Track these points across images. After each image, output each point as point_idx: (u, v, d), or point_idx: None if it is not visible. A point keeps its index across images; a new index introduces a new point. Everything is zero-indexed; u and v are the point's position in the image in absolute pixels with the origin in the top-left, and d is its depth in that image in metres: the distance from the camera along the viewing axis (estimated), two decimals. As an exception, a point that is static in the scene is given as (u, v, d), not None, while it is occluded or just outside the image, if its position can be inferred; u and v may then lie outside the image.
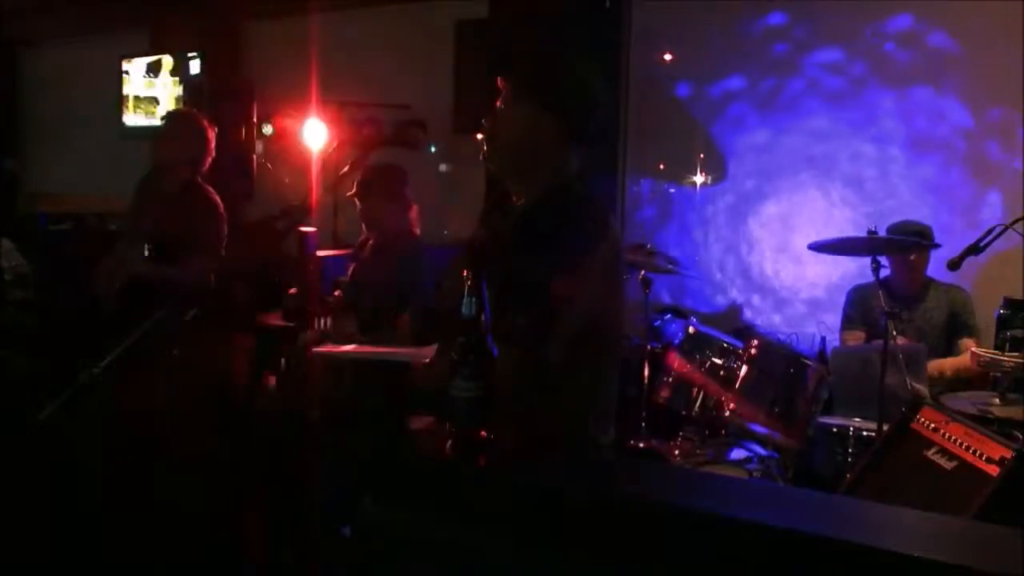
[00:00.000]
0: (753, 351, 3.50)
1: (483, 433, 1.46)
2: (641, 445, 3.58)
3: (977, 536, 1.30)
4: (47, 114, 7.99)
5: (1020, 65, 4.03)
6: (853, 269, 4.32)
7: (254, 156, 5.81)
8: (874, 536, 1.16)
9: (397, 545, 1.45)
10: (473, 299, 1.47)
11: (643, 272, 3.84)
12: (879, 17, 4.49)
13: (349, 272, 3.84)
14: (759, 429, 3.50)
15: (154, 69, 7.07)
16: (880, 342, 3.12)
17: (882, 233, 3.58)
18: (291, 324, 3.18)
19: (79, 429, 2.50)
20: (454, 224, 5.11)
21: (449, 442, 1.46)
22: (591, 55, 4.60)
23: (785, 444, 3.49)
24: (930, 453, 2.34)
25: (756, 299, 4.91)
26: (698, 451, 3.53)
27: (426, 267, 3.61)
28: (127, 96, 7.17)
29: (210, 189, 3.94)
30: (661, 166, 5.16)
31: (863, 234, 3.25)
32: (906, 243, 3.69)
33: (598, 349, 2.01)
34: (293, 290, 3.27)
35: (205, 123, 3.99)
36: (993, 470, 2.17)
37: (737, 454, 3.51)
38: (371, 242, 3.81)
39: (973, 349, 3.35)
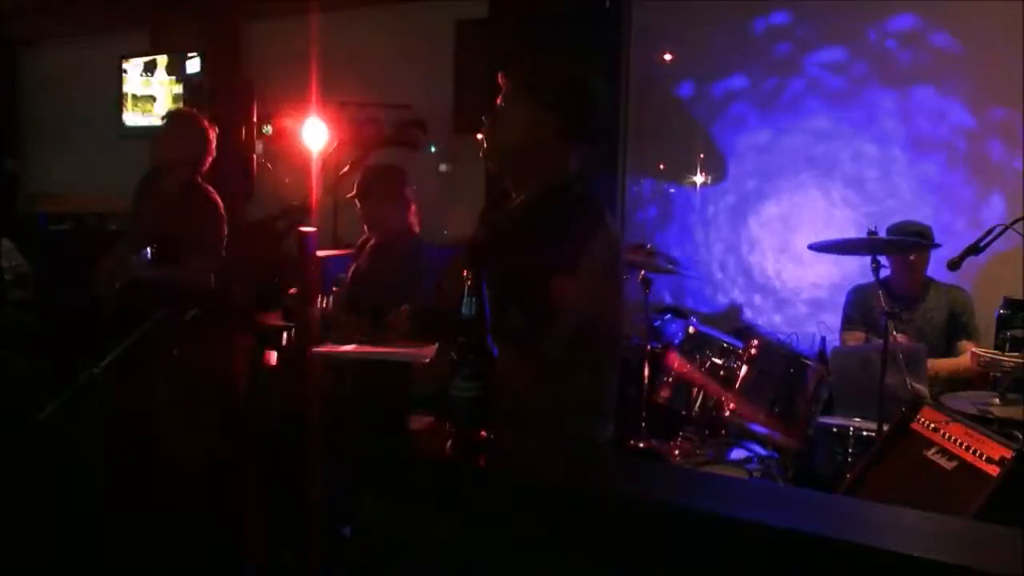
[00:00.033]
0: (753, 351, 3.50)
1: (483, 433, 1.46)
2: (641, 445, 3.58)
3: (977, 536, 1.30)
4: (47, 114, 7.99)
5: (1021, 65, 4.03)
6: (854, 269, 4.31)
7: (254, 156, 5.81)
8: (874, 536, 1.16)
9: (397, 545, 1.45)
10: (473, 299, 1.47)
11: (643, 272, 3.84)
12: (880, 17, 4.49)
13: (349, 272, 3.84)
14: (759, 429, 3.50)
15: (150, 68, 7.09)
16: (880, 342, 3.12)
17: (882, 233, 3.58)
18: (291, 324, 3.18)
19: (79, 429, 2.50)
20: (454, 224, 5.11)
21: (449, 442, 1.46)
22: (591, 55, 4.61)
23: (785, 444, 3.49)
24: (930, 453, 2.34)
25: (757, 299, 4.90)
26: (698, 451, 3.53)
27: (426, 267, 3.61)
28: (126, 94, 7.19)
29: (210, 189, 3.94)
30: (661, 166, 5.16)
31: (864, 234, 3.25)
32: (906, 243, 3.69)
33: (598, 349, 2.01)
34: (293, 290, 3.27)
35: (205, 123, 3.99)
36: (993, 470, 2.17)
37: (737, 454, 3.51)
38: (371, 242, 3.81)
39: (973, 349, 3.35)
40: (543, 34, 4.63)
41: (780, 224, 4.82)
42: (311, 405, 2.70)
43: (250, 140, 5.77)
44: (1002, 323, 3.42)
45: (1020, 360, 3.00)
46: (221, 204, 3.91)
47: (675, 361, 3.60)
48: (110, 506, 2.82)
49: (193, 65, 6.79)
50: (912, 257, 3.84)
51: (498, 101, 2.11)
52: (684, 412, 3.58)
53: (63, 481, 2.86)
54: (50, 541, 2.72)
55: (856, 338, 3.89)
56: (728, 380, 3.48)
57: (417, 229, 3.83)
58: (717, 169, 4.99)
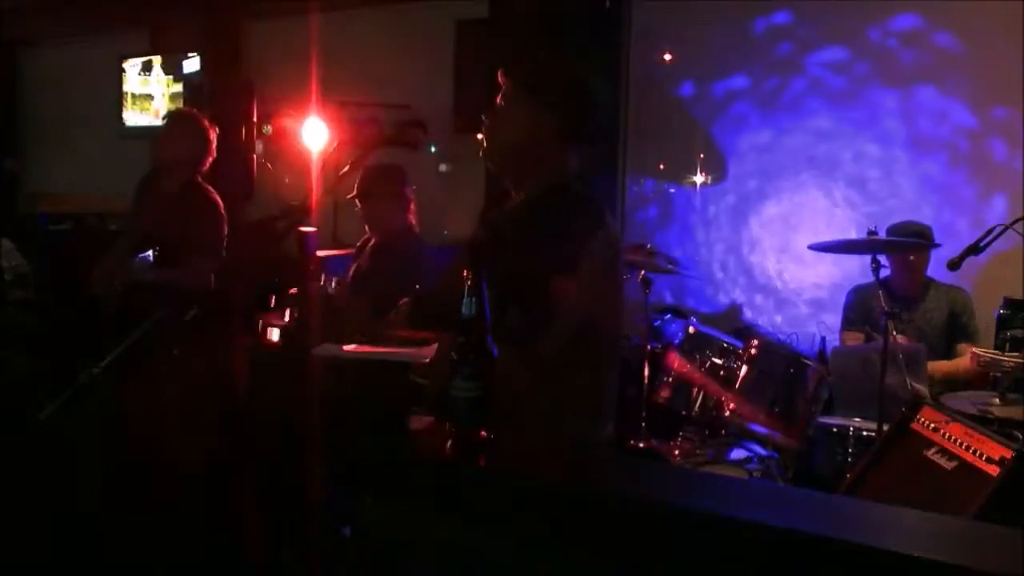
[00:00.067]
0: (753, 351, 3.50)
1: (483, 433, 1.46)
2: (641, 445, 3.57)
3: (977, 536, 1.30)
4: (47, 114, 7.99)
5: (1022, 64, 4.03)
6: (855, 269, 4.32)
7: (254, 156, 5.81)
8: (874, 536, 1.16)
9: (397, 545, 1.45)
10: (473, 299, 1.47)
11: (643, 272, 3.84)
12: (881, 17, 4.49)
13: (350, 272, 3.84)
14: (759, 429, 3.50)
15: (147, 66, 7.12)
16: (880, 342, 3.12)
17: (882, 233, 3.58)
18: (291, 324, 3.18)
19: (79, 429, 2.49)
20: (454, 224, 5.11)
21: (449, 442, 1.46)
22: (591, 55, 4.61)
23: (785, 444, 3.48)
24: (930, 453, 2.34)
25: (758, 299, 4.91)
26: (698, 451, 3.53)
27: (427, 267, 3.61)
28: (125, 93, 7.21)
29: (210, 189, 3.94)
30: (661, 166, 5.16)
31: (864, 234, 3.25)
32: (906, 243, 3.69)
33: (598, 349, 2.01)
34: (293, 290, 3.27)
35: (206, 123, 3.99)
36: (993, 470, 2.17)
37: (737, 454, 3.50)
38: (372, 242, 3.81)
39: (974, 349, 3.35)
40: (543, 34, 4.63)
41: (781, 224, 4.82)
42: (311, 405, 2.70)
43: (250, 140, 5.77)
44: (1002, 323, 3.42)
45: (1020, 360, 3.00)
46: (221, 204, 3.91)
47: (675, 361, 3.60)
48: (110, 506, 2.82)
49: (191, 64, 6.81)
50: (912, 257, 3.84)
51: (498, 100, 2.11)
52: (684, 412, 3.58)
53: (63, 481, 2.86)
54: (50, 541, 2.72)
55: (856, 338, 3.89)
56: (728, 380, 3.48)
57: (417, 229, 3.83)
58: (717, 169, 4.99)
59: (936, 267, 3.83)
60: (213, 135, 3.97)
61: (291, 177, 5.52)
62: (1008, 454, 2.16)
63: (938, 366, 3.64)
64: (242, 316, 3.02)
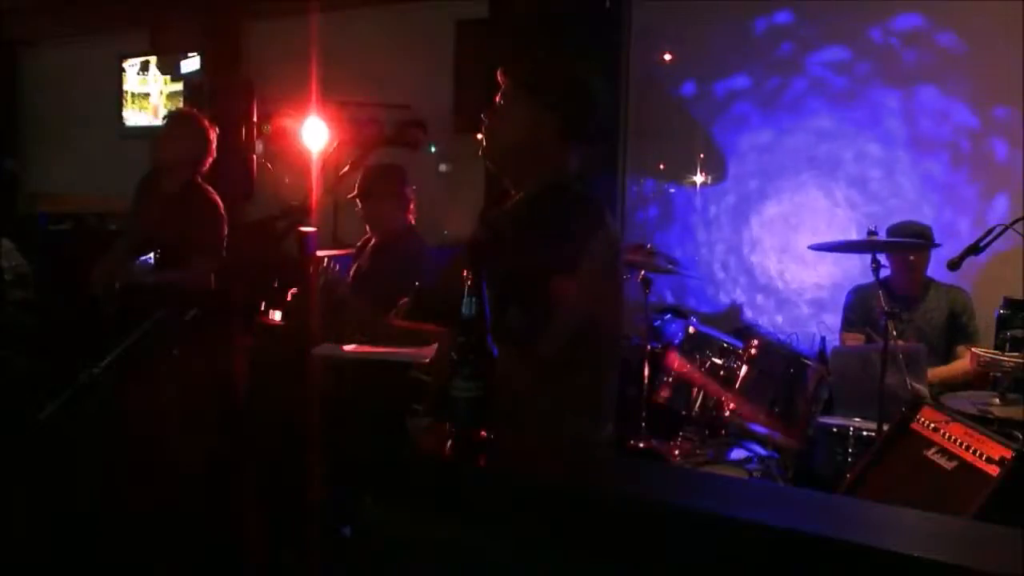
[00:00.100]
0: (753, 351, 3.50)
1: (483, 433, 1.46)
2: (641, 445, 3.57)
3: (977, 536, 1.30)
4: (47, 114, 7.99)
5: (1023, 64, 4.03)
6: (855, 269, 4.32)
7: (254, 156, 5.81)
8: (874, 536, 1.16)
9: (397, 545, 1.45)
10: (473, 299, 1.47)
11: (643, 272, 3.84)
12: (883, 16, 4.49)
13: (351, 272, 3.84)
14: (759, 429, 3.50)
15: (145, 66, 7.14)
16: (880, 342, 3.12)
17: (883, 233, 3.58)
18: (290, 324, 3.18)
19: (79, 429, 2.50)
20: (454, 224, 5.11)
21: (449, 442, 1.46)
22: (591, 55, 4.61)
23: (785, 444, 3.48)
24: (930, 453, 2.34)
25: (759, 299, 4.91)
26: (698, 451, 3.53)
27: (427, 267, 3.61)
28: (125, 93, 7.22)
29: (210, 189, 3.94)
30: (661, 166, 5.16)
31: (865, 235, 3.25)
32: (905, 243, 3.69)
33: (598, 349, 2.01)
34: (293, 290, 3.27)
35: (206, 123, 3.99)
36: (993, 470, 2.17)
37: (737, 454, 3.50)
38: (372, 242, 3.81)
39: (974, 349, 3.35)
40: (543, 34, 4.63)
41: (782, 224, 4.82)
42: (311, 405, 2.70)
43: (250, 140, 5.77)
44: (1002, 323, 3.42)
45: (1020, 360, 3.00)
46: (221, 204, 3.91)
47: (675, 361, 3.60)
48: (110, 506, 2.82)
49: (189, 63, 6.82)
50: (912, 257, 3.84)
51: (497, 100, 2.11)
52: (684, 412, 3.57)
53: (63, 481, 2.86)
54: (50, 541, 2.72)
55: (856, 339, 3.89)
56: (728, 380, 3.48)
57: (417, 229, 3.83)
58: (717, 169, 4.99)
59: (936, 267, 3.83)
60: (213, 135, 3.98)
61: (291, 177, 5.52)
62: (1008, 454, 2.16)
63: (935, 372, 3.64)
64: (242, 316, 3.02)
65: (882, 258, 3.32)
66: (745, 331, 4.28)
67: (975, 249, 3.06)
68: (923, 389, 3.18)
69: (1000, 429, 2.60)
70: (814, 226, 4.65)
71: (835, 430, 3.32)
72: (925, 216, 4.11)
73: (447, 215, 5.16)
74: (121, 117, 7.30)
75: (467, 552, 1.37)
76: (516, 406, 1.69)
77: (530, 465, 1.52)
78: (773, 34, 4.80)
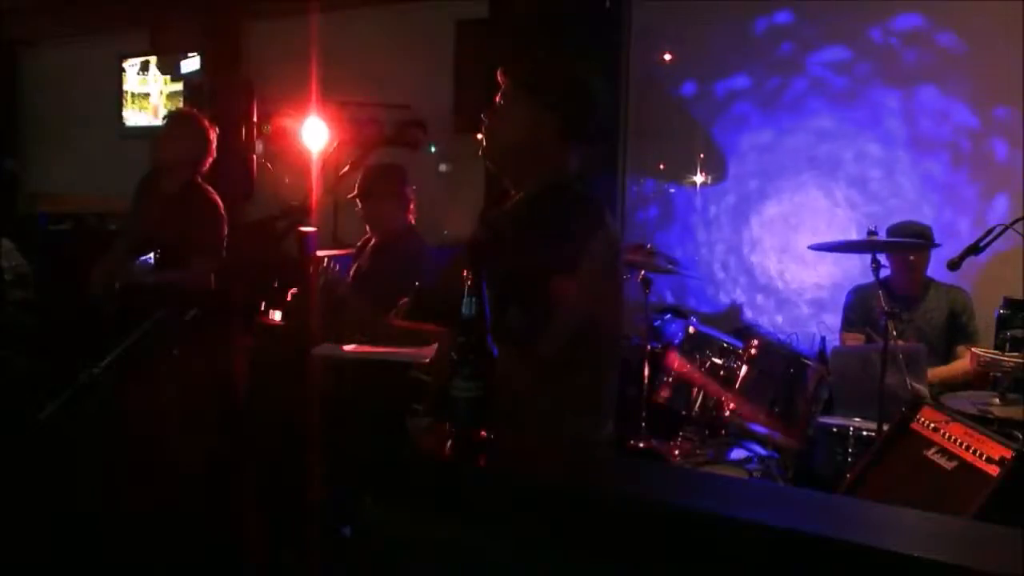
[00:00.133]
0: (753, 351, 3.50)
1: (483, 433, 1.46)
2: (641, 445, 3.57)
3: (977, 536, 1.30)
4: (47, 114, 7.99)
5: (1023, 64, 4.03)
6: (856, 269, 4.32)
7: (254, 156, 5.81)
8: (874, 536, 1.16)
9: (397, 545, 1.45)
10: (473, 299, 1.47)
11: (643, 272, 3.84)
12: (883, 16, 4.49)
13: (351, 272, 3.84)
14: (759, 429, 3.50)
15: (145, 66, 7.15)
16: (880, 342, 3.12)
17: (883, 233, 3.58)
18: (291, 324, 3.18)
19: (79, 429, 2.49)
20: (454, 224, 5.11)
21: (449, 442, 1.46)
22: (591, 55, 4.60)
23: (785, 444, 3.48)
24: (930, 453, 2.34)
25: (759, 299, 4.90)
26: (698, 451, 3.53)
27: (427, 267, 3.61)
28: (125, 93, 7.23)
29: (210, 189, 3.94)
30: (661, 166, 5.16)
31: (865, 235, 3.25)
32: (905, 243, 3.69)
33: (598, 349, 2.01)
34: (293, 290, 3.27)
35: (206, 123, 3.99)
36: (993, 470, 2.16)
37: (737, 454, 3.50)
38: (373, 242, 3.81)
39: (974, 349, 3.35)
40: (543, 34, 4.63)
41: (782, 224, 4.82)
42: (311, 405, 2.70)
43: (250, 140, 5.77)
44: (1002, 323, 3.42)
45: (1020, 360, 3.00)
46: (221, 204, 3.91)
47: (675, 361, 3.60)
48: (110, 506, 2.82)
49: (188, 63, 6.83)
50: (912, 257, 3.84)
51: (497, 100, 2.11)
52: (684, 412, 3.57)
53: (63, 481, 2.86)
54: (50, 541, 2.72)
55: (856, 339, 3.89)
56: (728, 380, 3.48)
57: (417, 229, 3.83)
58: (717, 169, 4.99)
59: (936, 267, 3.83)
60: (213, 135, 3.98)
61: (291, 177, 5.52)
62: (1008, 454, 2.16)
63: (935, 372, 3.64)
64: (242, 316, 3.03)
65: (882, 258, 3.32)
66: (745, 331, 4.28)
67: (975, 249, 3.06)
68: (923, 389, 3.18)
69: (1000, 429, 2.60)
70: (814, 226, 4.65)
71: (835, 430, 3.32)
72: (925, 216, 4.11)
73: (447, 215, 5.16)
74: (121, 117, 7.30)
75: (467, 552, 1.37)
76: (516, 406, 1.69)
77: (530, 465, 1.52)
78: (773, 34, 4.80)
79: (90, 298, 3.81)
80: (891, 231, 3.79)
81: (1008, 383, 3.06)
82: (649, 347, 3.71)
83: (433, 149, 5.62)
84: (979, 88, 4.31)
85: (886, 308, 3.09)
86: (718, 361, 3.53)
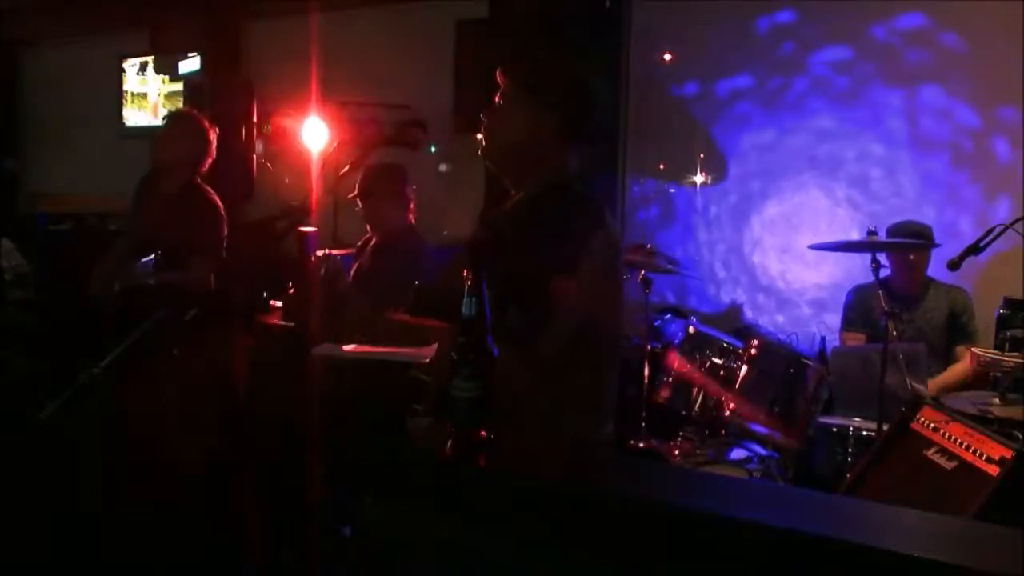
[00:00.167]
0: (753, 351, 3.50)
1: (483, 433, 1.46)
2: (641, 445, 3.57)
3: (977, 536, 1.30)
4: (47, 114, 7.99)
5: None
6: (856, 269, 4.31)
7: (254, 156, 5.81)
8: (874, 536, 1.16)
9: (397, 545, 1.45)
10: (473, 299, 1.47)
11: (643, 272, 3.84)
12: (885, 16, 4.48)
13: (351, 272, 3.84)
14: (759, 429, 3.50)
15: (144, 67, 7.16)
16: (880, 342, 3.12)
17: (883, 233, 3.58)
18: (291, 324, 3.18)
19: (79, 429, 2.49)
20: (454, 224, 5.10)
21: (449, 442, 1.46)
22: (591, 55, 4.60)
23: (785, 444, 3.48)
24: (930, 453, 2.34)
25: (760, 299, 4.90)
26: (698, 451, 3.53)
27: (427, 266, 3.61)
28: (125, 92, 7.23)
29: (210, 190, 3.94)
30: (661, 166, 5.16)
31: (865, 235, 3.25)
32: (905, 243, 3.69)
33: (598, 348, 2.01)
34: (293, 290, 3.27)
35: (206, 124, 3.99)
36: (993, 470, 2.16)
37: (737, 454, 3.50)
38: (373, 242, 3.81)
39: (974, 349, 3.35)
40: (543, 34, 4.63)
41: (783, 224, 4.82)
42: (311, 405, 2.71)
43: (250, 140, 5.77)
44: (1002, 323, 3.42)
45: (1020, 360, 3.00)
46: (221, 205, 3.91)
47: (675, 361, 3.60)
48: (110, 506, 2.82)
49: (187, 63, 6.83)
50: (912, 257, 3.84)
51: (497, 99, 2.11)
52: (684, 412, 3.57)
53: (63, 481, 2.86)
54: (50, 541, 2.72)
55: (856, 338, 3.89)
56: (728, 380, 3.48)
57: (417, 228, 3.83)
58: (718, 169, 4.99)
59: (936, 267, 3.83)
60: (213, 135, 3.97)
61: (291, 177, 5.52)
62: (1008, 454, 2.16)
63: (935, 382, 3.62)
64: (242, 316, 3.03)
65: (882, 258, 3.32)
66: (745, 331, 4.28)
67: (975, 249, 3.06)
68: (923, 389, 3.18)
69: (1000, 429, 2.60)
70: (815, 226, 4.65)
71: (835, 430, 3.32)
72: (927, 216, 4.11)
73: (447, 215, 5.16)
74: (121, 117, 7.30)
75: (467, 552, 1.37)
76: (516, 406, 1.69)
77: (530, 465, 1.52)
78: (774, 34, 4.80)
79: (90, 298, 3.81)
80: (891, 231, 3.79)
81: (1008, 383, 3.06)
82: (649, 347, 3.71)
83: (433, 149, 5.62)
84: (981, 88, 4.30)
85: (886, 308, 3.09)
86: (718, 361, 3.53)
